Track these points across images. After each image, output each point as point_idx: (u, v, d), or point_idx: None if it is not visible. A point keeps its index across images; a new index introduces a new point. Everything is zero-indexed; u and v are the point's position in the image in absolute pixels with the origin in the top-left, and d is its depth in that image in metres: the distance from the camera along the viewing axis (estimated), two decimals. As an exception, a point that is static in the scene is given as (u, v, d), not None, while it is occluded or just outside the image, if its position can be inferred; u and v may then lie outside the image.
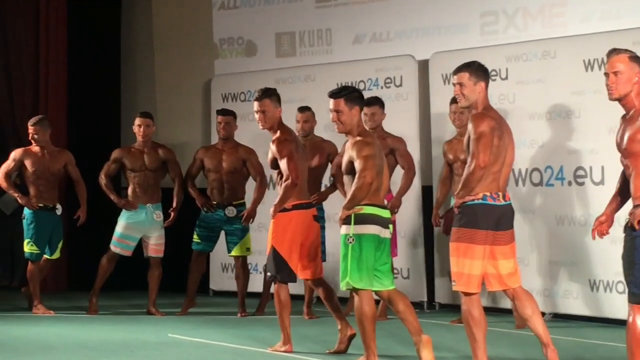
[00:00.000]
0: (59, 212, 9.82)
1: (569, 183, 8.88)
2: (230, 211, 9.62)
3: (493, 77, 8.63)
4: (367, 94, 9.49)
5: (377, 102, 9.01)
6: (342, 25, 10.92)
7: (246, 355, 7.35)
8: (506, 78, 9.33)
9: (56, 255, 9.85)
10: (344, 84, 9.04)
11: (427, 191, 9.83)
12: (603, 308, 8.67)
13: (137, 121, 9.78)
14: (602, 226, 5.44)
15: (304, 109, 9.28)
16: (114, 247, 9.74)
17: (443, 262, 9.60)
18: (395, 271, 9.26)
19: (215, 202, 9.68)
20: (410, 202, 9.75)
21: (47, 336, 8.37)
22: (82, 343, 7.99)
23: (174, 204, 9.75)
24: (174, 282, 10.52)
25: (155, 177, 9.78)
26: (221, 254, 10.36)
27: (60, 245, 9.84)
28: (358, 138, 6.67)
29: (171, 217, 9.72)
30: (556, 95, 8.97)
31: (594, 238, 5.47)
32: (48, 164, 9.77)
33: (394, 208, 8.89)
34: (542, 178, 9.07)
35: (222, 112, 9.84)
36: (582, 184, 8.81)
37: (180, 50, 12.16)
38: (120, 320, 9.36)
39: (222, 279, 11.24)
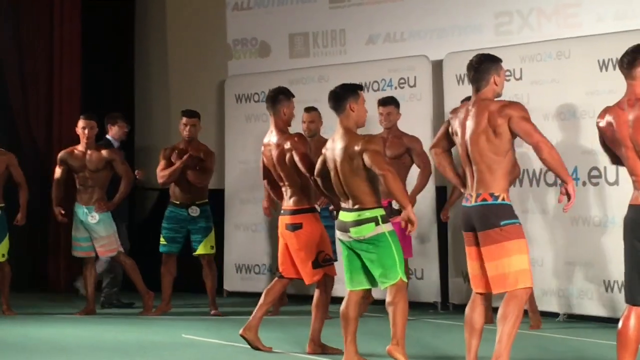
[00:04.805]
0: None
1: (584, 183, 8.85)
2: (194, 210, 9.61)
3: (507, 77, 8.60)
4: (381, 95, 9.51)
5: (392, 101, 9.06)
6: (356, 26, 10.90)
7: (259, 356, 7.34)
8: (520, 78, 9.30)
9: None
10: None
11: (440, 192, 9.81)
12: (618, 309, 8.62)
13: (81, 123, 9.66)
14: None
15: (310, 109, 9.31)
16: (73, 252, 9.81)
17: (457, 263, 9.59)
18: (409, 272, 9.32)
19: (178, 202, 9.64)
20: (424, 203, 9.73)
21: (61, 337, 8.39)
22: (95, 344, 8.01)
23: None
24: (189, 283, 10.52)
25: (95, 177, 9.66)
26: (235, 255, 10.35)
27: (1, 245, 9.67)
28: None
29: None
30: (570, 95, 8.94)
31: None
32: None
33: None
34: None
35: (188, 113, 9.69)
36: (596, 184, 8.78)
37: (193, 51, 12.17)
38: (134, 321, 9.37)
39: (235, 280, 11.22)
